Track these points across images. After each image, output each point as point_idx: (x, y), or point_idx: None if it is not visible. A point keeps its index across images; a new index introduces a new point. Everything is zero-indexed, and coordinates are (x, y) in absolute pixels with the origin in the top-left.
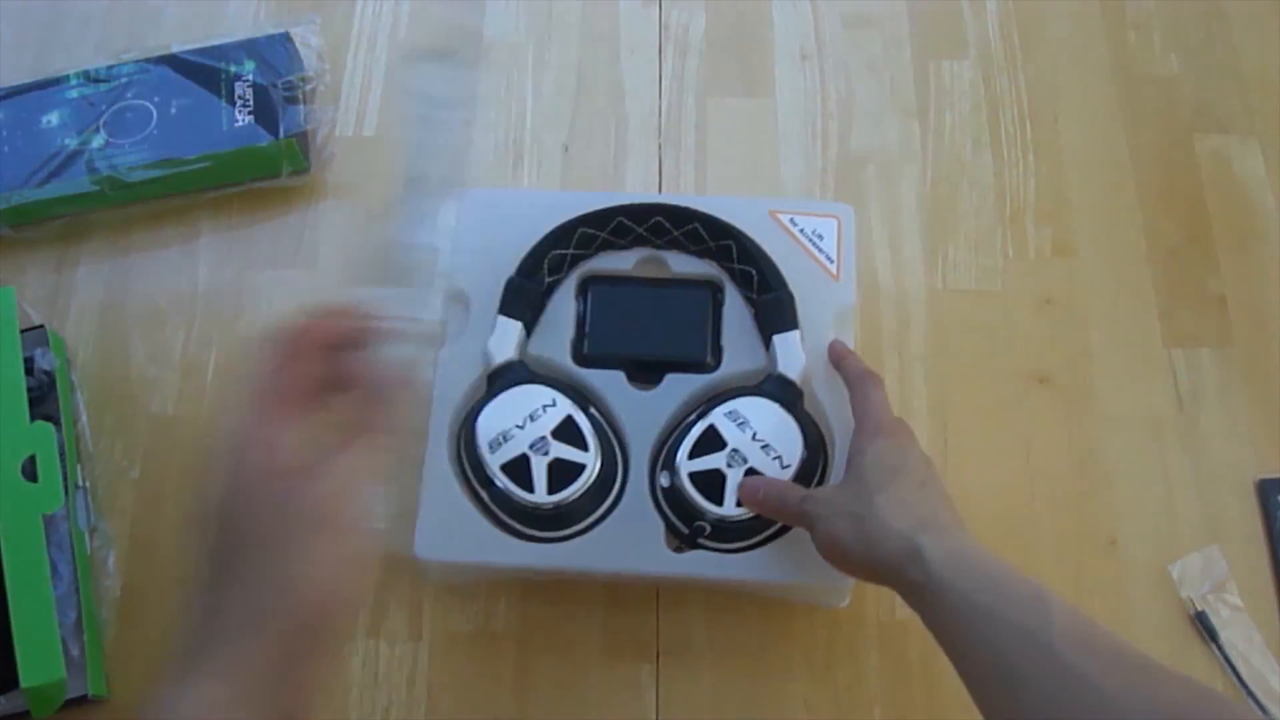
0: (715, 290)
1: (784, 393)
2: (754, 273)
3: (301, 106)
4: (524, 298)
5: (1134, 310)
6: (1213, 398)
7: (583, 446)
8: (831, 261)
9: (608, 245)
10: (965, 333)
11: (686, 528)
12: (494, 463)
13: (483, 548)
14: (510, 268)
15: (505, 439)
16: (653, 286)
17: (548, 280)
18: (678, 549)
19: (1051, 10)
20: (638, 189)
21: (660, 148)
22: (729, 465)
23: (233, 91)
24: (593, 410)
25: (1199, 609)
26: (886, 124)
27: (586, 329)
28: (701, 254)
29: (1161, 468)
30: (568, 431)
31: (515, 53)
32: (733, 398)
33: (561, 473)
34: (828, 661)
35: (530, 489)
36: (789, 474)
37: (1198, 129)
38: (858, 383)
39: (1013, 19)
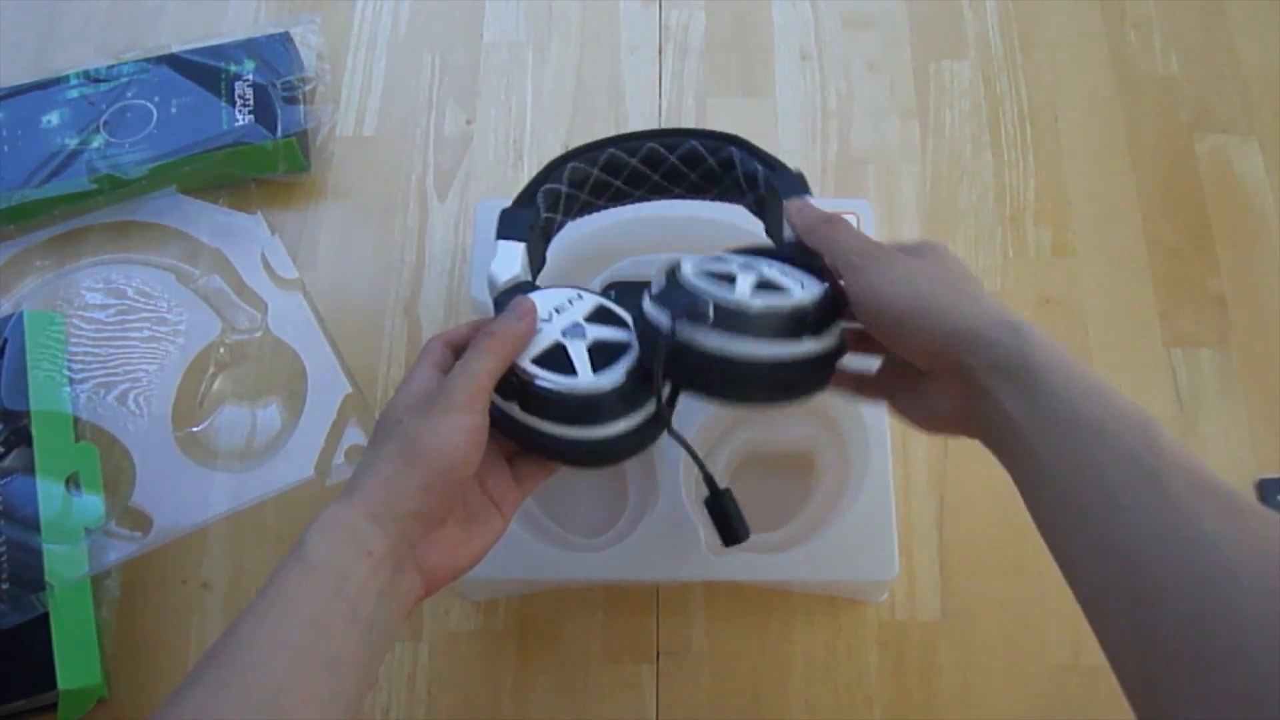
0: None
1: (801, 256)
2: (757, 167)
3: (301, 106)
4: (520, 223)
5: (1134, 310)
6: (1213, 398)
7: (622, 325)
8: None
9: (604, 188)
10: None
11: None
12: (525, 359)
13: (521, 563)
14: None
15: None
16: None
17: (544, 215)
18: (673, 332)
19: (1051, 10)
20: None
21: None
22: (741, 270)
23: (232, 91)
24: (613, 296)
25: None
26: (886, 124)
27: None
28: (704, 179)
29: None
30: (602, 315)
31: (515, 53)
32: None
33: (604, 353)
34: (828, 661)
35: (571, 371)
36: (810, 295)
37: (1198, 129)
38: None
39: (1013, 19)
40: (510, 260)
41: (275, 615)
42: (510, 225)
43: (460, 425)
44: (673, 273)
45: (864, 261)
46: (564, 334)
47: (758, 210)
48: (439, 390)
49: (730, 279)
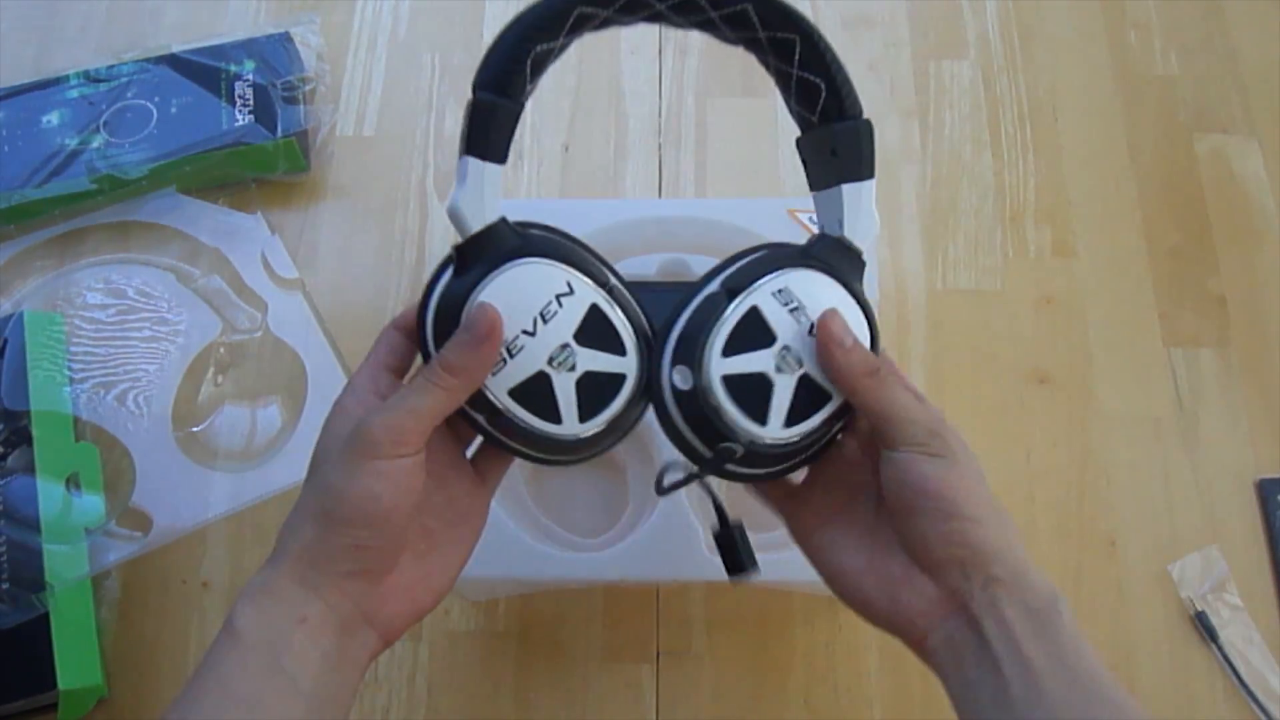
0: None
1: (845, 263)
2: (822, 86)
3: (301, 106)
4: (499, 125)
5: (1134, 310)
6: (1213, 398)
7: (618, 349)
8: None
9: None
10: (965, 333)
11: (708, 448)
12: (498, 387)
13: (520, 563)
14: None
15: (512, 352)
16: (675, 292)
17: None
18: (682, 481)
19: (1051, 10)
20: (638, 189)
21: (660, 147)
22: (778, 370)
23: (232, 91)
24: (614, 283)
25: (1199, 609)
26: (886, 124)
27: None
28: (748, 46)
29: (1161, 468)
30: (596, 329)
31: None
32: (780, 268)
33: (595, 391)
34: (828, 661)
35: (555, 418)
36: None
37: (1198, 129)
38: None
39: (1012, 19)
40: (481, 192)
41: (210, 700)
42: (485, 130)
43: (383, 473)
44: (697, 349)
45: (916, 452)
46: (551, 362)
47: (806, 133)
48: (363, 428)
49: (765, 386)
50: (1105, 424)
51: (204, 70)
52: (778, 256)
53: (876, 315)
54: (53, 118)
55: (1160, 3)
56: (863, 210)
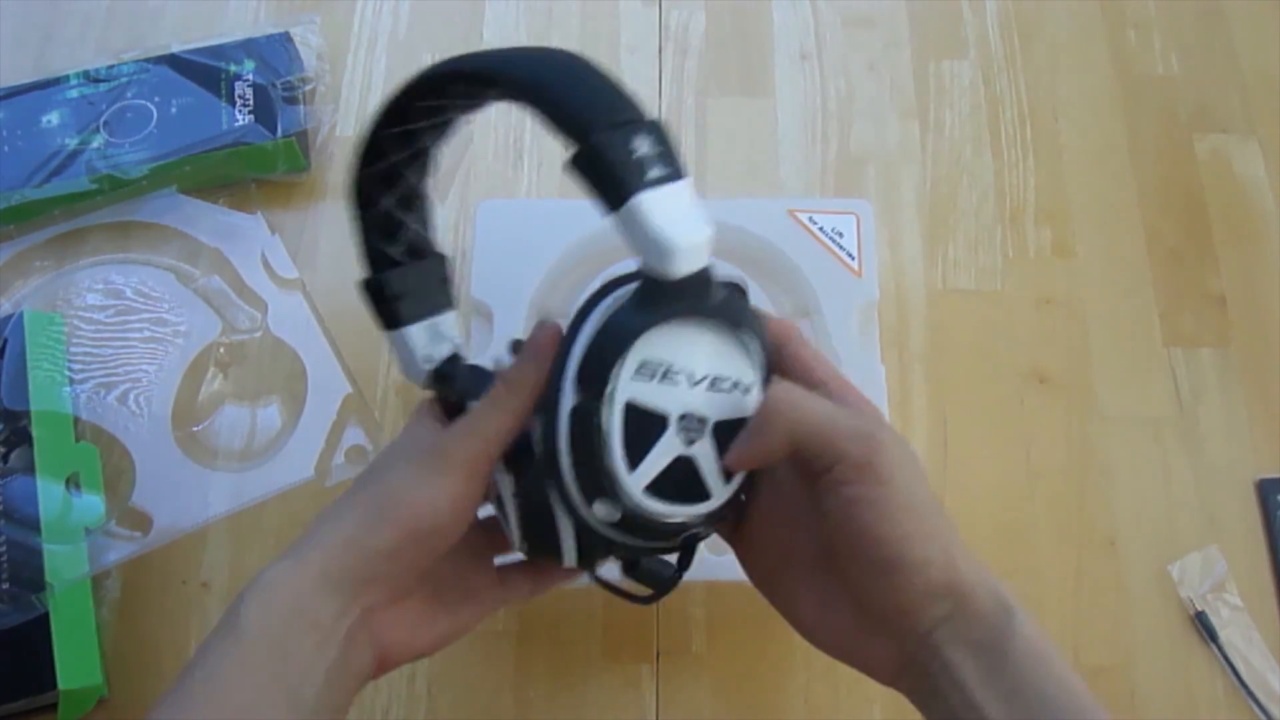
0: None
1: (662, 295)
2: (540, 112)
3: (301, 106)
4: (382, 299)
5: (1134, 310)
6: (1213, 398)
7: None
8: (853, 258)
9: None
10: (965, 333)
11: (670, 546)
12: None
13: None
14: (531, 279)
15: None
16: None
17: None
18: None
19: (1051, 10)
20: None
21: None
22: (689, 443)
23: (232, 91)
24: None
25: (1199, 609)
26: (886, 124)
27: None
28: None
29: (1161, 468)
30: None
31: None
32: (634, 335)
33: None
34: (828, 661)
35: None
36: (753, 400)
37: (1197, 129)
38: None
39: (1012, 19)
40: (408, 355)
41: (201, 704)
42: (375, 308)
43: (449, 490)
44: (617, 501)
45: (846, 484)
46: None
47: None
48: (441, 445)
49: (689, 467)
50: (1105, 424)
51: (204, 70)
52: (612, 329)
53: (878, 331)
54: (53, 118)
55: (1160, 3)
56: (639, 234)
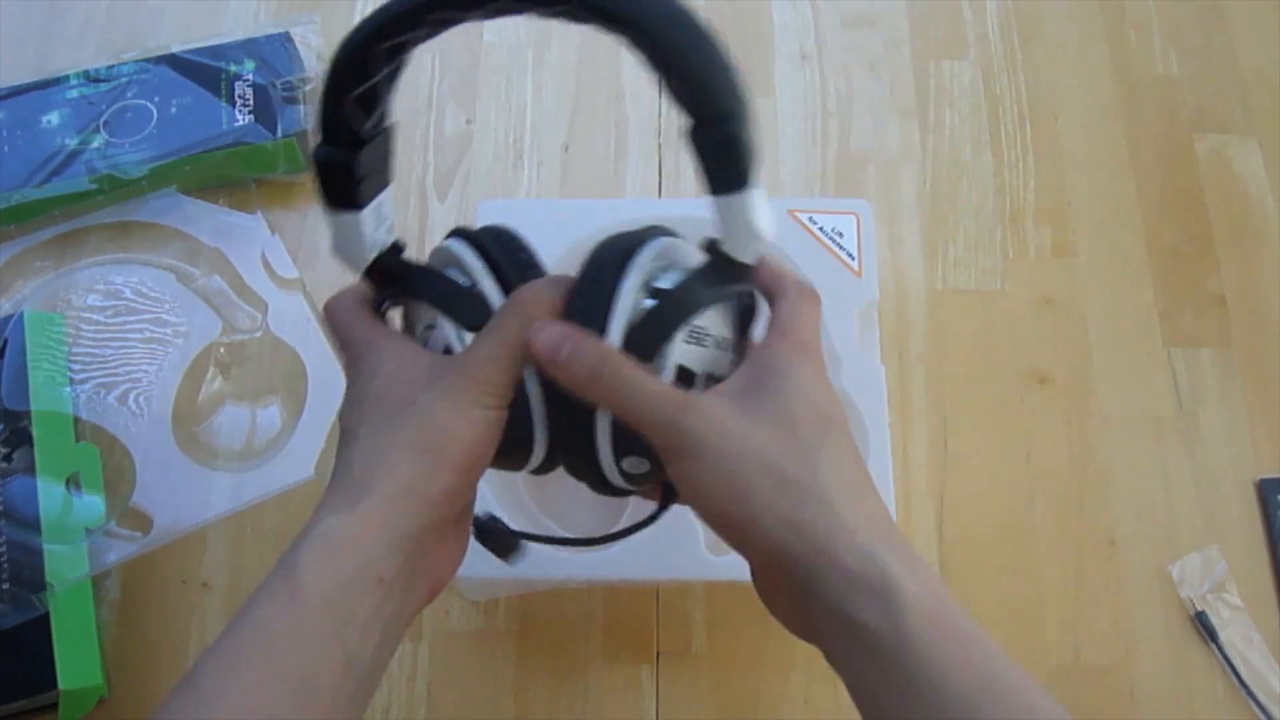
0: None
1: (723, 273)
2: (675, 83)
3: (301, 106)
4: (335, 178)
5: (1134, 310)
6: (1213, 398)
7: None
8: (853, 258)
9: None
10: (965, 333)
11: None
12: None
13: (522, 564)
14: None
15: None
16: None
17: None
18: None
19: (1051, 10)
20: (638, 189)
21: (660, 148)
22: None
23: (232, 91)
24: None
25: (1199, 609)
26: (886, 124)
27: None
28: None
29: (1161, 468)
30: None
31: (515, 53)
32: (705, 303)
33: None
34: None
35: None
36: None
37: (1197, 129)
38: (794, 292)
39: (1012, 19)
40: (347, 238)
41: (255, 666)
42: (324, 185)
43: (494, 420)
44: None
45: (723, 443)
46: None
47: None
48: (457, 364)
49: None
50: (1105, 424)
51: (204, 70)
52: (684, 292)
53: (879, 331)
54: (53, 118)
55: (1160, 3)
56: (739, 225)
